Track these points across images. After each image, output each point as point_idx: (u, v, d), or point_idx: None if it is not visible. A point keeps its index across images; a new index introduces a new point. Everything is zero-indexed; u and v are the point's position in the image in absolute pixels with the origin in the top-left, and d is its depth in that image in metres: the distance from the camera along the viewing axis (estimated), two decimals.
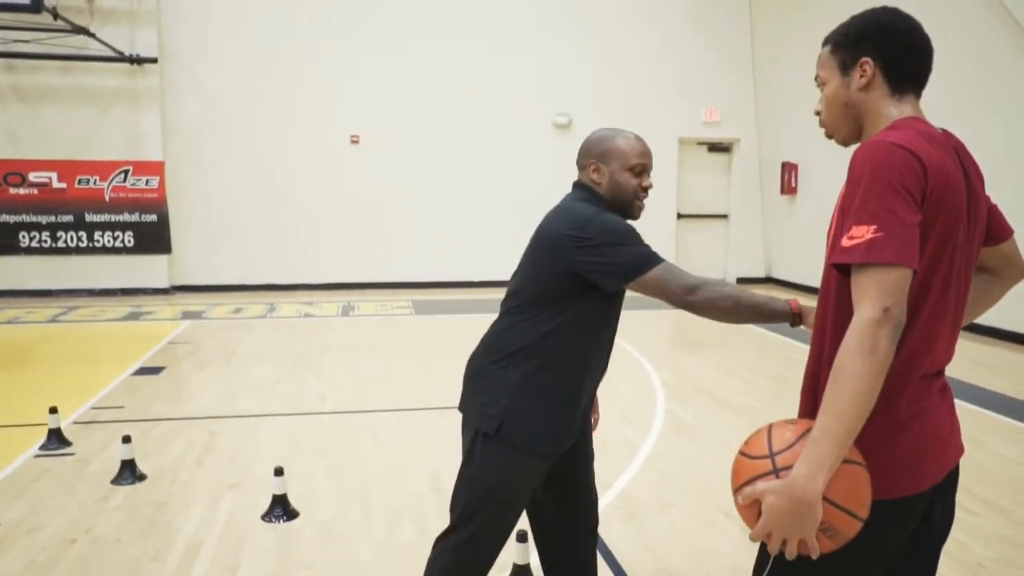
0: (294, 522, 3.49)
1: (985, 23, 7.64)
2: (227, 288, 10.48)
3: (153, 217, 10.27)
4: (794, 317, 1.89)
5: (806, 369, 1.63)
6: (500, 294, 2.24)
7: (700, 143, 12.08)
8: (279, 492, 3.54)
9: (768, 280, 12.06)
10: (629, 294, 2.11)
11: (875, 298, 1.33)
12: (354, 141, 10.72)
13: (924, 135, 1.46)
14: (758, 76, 11.91)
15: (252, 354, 6.91)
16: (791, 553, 1.36)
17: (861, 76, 1.55)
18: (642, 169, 2.14)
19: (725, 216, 12.37)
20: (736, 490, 1.50)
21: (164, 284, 10.38)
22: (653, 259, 1.97)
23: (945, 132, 1.56)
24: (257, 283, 10.60)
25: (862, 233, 1.35)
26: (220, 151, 10.42)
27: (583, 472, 2.33)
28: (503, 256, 10.97)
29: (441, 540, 2.20)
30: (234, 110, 10.41)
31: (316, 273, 10.78)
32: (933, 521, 1.57)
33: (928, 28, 1.58)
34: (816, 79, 1.65)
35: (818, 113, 1.66)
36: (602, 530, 3.44)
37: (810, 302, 1.81)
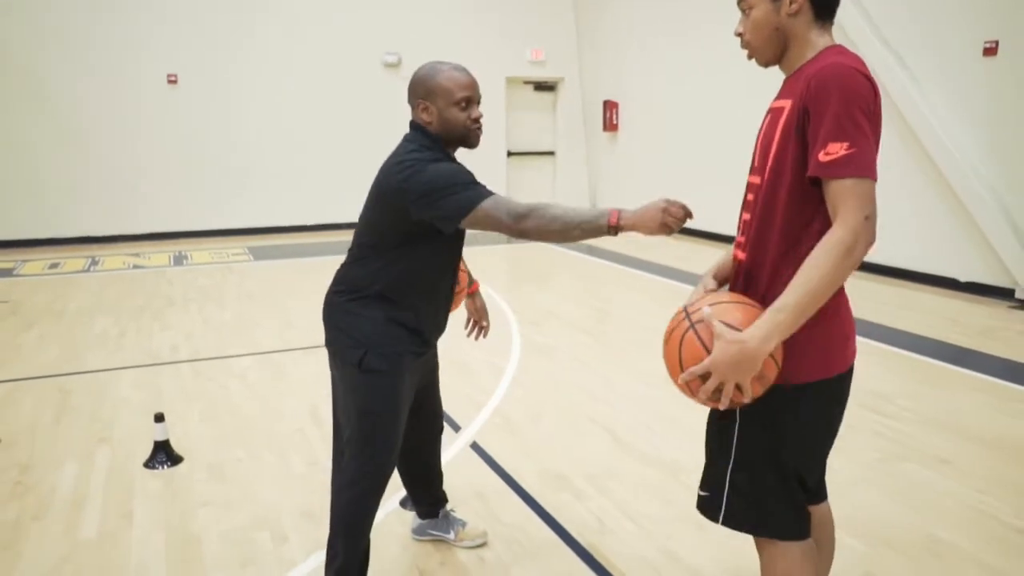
0: (179, 467, 3.48)
1: None
2: (33, 243, 9.57)
3: None
4: (613, 231, 1.94)
5: (741, 267, 1.78)
6: (337, 236, 2.33)
7: (526, 82, 12.41)
8: (161, 438, 3.50)
9: None
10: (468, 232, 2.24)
11: (858, 207, 1.50)
12: (172, 81, 10.00)
13: (862, 62, 1.63)
14: (580, 16, 12.35)
15: (85, 309, 6.47)
16: (727, 393, 1.55)
17: (792, 2, 1.67)
18: (468, 101, 2.18)
19: (552, 153, 12.88)
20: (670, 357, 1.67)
21: None
22: (481, 195, 2.03)
23: None
24: (69, 236, 9.76)
25: (837, 150, 1.51)
26: (11, 91, 9.34)
27: (430, 385, 2.58)
28: (337, 197, 11.12)
29: (338, 475, 2.37)
30: (28, 44, 9.30)
31: (138, 223, 10.09)
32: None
33: None
34: (741, 2, 1.75)
35: (740, 35, 1.77)
36: (484, 443, 3.76)
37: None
